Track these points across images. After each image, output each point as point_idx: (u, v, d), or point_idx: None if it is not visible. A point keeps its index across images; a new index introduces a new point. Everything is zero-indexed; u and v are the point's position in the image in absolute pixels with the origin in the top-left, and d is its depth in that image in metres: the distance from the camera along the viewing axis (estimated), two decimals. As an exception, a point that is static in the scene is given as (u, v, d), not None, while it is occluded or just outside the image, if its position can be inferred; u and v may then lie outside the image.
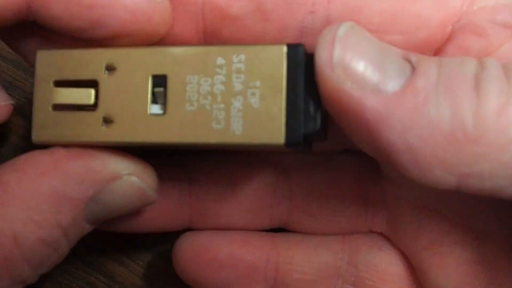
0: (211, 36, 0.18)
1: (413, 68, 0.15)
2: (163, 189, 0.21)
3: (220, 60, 0.16)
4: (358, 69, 0.15)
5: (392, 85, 0.15)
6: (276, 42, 0.17)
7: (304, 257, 0.21)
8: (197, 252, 0.21)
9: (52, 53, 0.18)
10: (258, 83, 0.16)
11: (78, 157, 0.17)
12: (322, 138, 0.17)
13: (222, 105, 0.16)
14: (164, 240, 0.24)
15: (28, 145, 0.18)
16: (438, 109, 0.14)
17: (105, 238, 0.23)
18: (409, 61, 0.15)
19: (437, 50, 0.18)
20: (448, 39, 0.18)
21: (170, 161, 0.22)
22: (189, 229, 0.22)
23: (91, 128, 0.17)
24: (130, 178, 0.18)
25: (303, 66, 0.16)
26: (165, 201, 0.21)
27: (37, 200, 0.16)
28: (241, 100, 0.16)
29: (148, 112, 0.17)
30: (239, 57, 0.16)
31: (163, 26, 0.18)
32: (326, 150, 0.22)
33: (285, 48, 0.16)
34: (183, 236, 0.22)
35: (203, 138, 0.16)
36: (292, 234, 0.22)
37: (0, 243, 0.16)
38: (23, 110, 0.24)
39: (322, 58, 0.15)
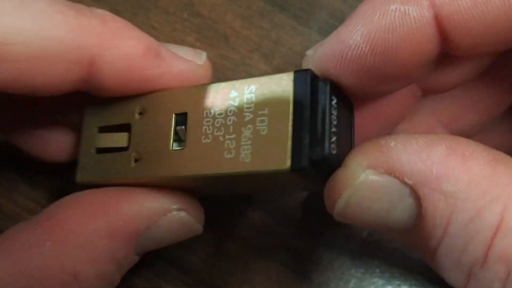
0: None
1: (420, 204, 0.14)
2: None
3: (233, 93, 0.17)
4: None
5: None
6: None
7: None
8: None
9: (96, 103, 0.19)
10: (266, 110, 0.16)
11: (130, 195, 0.18)
12: (340, 162, 0.16)
13: (233, 135, 0.16)
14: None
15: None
16: None
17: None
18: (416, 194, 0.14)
19: None
20: None
21: None
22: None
23: (124, 167, 0.18)
24: (179, 213, 0.18)
25: (310, 90, 0.16)
26: None
27: (94, 237, 0.17)
28: (250, 129, 0.16)
29: (171, 148, 0.18)
30: (250, 88, 0.17)
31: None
32: None
33: (292, 75, 0.16)
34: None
35: (215, 169, 0.16)
36: None
37: (63, 281, 0.17)
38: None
39: (325, 199, 0.16)
